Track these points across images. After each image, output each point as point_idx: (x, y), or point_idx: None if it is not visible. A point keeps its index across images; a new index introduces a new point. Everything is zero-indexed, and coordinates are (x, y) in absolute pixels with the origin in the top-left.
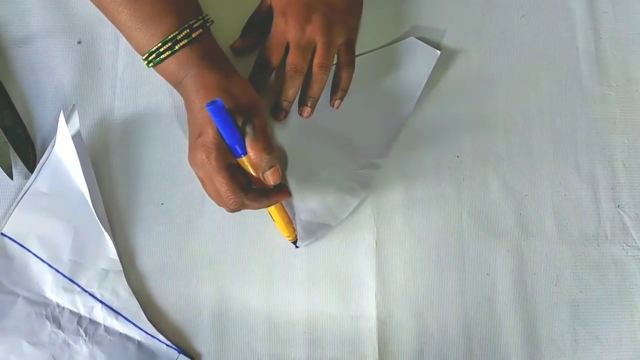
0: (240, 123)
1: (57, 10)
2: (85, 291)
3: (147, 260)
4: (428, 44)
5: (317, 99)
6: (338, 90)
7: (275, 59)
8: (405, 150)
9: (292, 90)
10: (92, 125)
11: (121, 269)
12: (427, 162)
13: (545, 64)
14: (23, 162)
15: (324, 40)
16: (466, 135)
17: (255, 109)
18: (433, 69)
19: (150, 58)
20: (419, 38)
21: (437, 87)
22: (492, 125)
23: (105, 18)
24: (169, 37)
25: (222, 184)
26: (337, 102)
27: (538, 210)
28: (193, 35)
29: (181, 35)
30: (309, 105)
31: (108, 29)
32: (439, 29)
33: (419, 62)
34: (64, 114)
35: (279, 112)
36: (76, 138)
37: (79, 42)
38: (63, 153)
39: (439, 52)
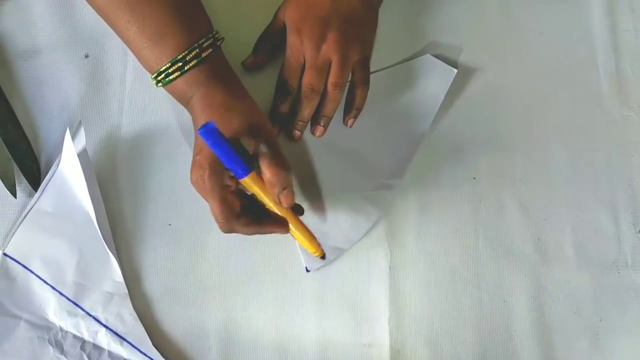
0: (248, 142)
1: (64, 23)
2: (90, 315)
3: (154, 283)
4: (444, 62)
5: (331, 119)
6: (352, 108)
7: (295, 82)
8: (420, 171)
9: (308, 111)
10: (99, 142)
11: (126, 292)
12: (443, 184)
13: (565, 83)
14: (27, 180)
15: (339, 58)
16: (483, 156)
17: (265, 128)
18: (449, 87)
19: (159, 78)
20: (435, 55)
21: (454, 106)
22: (510, 146)
23: (113, 32)
24: (178, 57)
25: (213, 205)
26: (350, 121)
27: (557, 235)
28: (202, 55)
29: (190, 55)
30: (322, 124)
31: (116, 43)
32: (455, 46)
33: (435, 80)
34: (70, 130)
35: (293, 133)
36: (82, 155)
37: (87, 56)
38: (68, 171)
39: (455, 70)
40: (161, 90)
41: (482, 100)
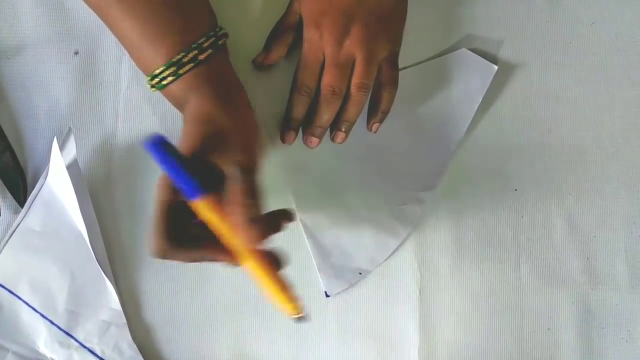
0: (227, 167)
1: (52, 16)
2: (84, 346)
3: (155, 311)
4: (483, 57)
5: (353, 123)
6: (377, 112)
7: (313, 82)
8: (454, 183)
9: (328, 115)
10: (91, 152)
11: (125, 321)
12: (480, 197)
13: (619, 81)
14: (12, 195)
15: (364, 56)
16: (526, 165)
17: (249, 147)
18: (489, 86)
19: (153, 82)
20: (472, 49)
21: (493, 108)
22: (557, 153)
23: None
24: (174, 59)
25: (152, 222)
26: (375, 126)
27: (608, 255)
28: (200, 58)
29: (188, 57)
30: (343, 130)
31: (110, 39)
32: (495, 39)
33: (472, 78)
34: (58, 139)
35: (310, 139)
36: (72, 167)
37: (76, 53)
38: (57, 185)
39: (495, 66)
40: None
41: (526, 101)
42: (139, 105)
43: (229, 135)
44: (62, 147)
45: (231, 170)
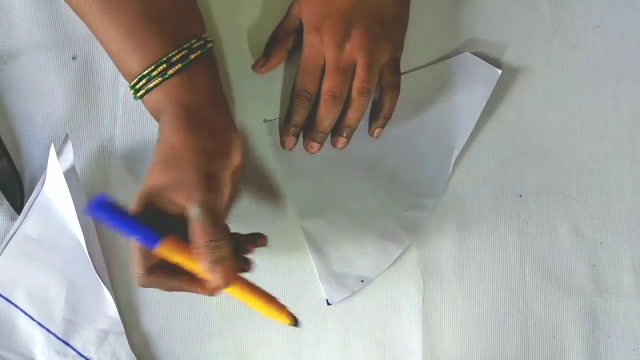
0: (185, 203)
1: (49, 21)
2: (81, 355)
3: (153, 319)
4: (486, 61)
5: (355, 129)
6: (379, 117)
7: (314, 87)
8: (458, 189)
9: (328, 121)
10: (89, 158)
11: (123, 329)
12: (484, 203)
13: (626, 85)
14: (9, 201)
15: (365, 61)
16: (530, 170)
17: (214, 179)
18: (492, 90)
19: (132, 92)
20: (475, 53)
21: (497, 113)
22: (562, 158)
23: None
24: (144, 72)
25: (132, 252)
26: (377, 131)
27: (615, 262)
28: (169, 73)
29: (156, 71)
30: (344, 135)
31: None
32: (499, 43)
33: (475, 82)
34: (55, 145)
35: (310, 145)
36: (69, 174)
37: (74, 58)
38: (54, 192)
39: (499, 70)
40: None
41: (530, 106)
42: (138, 111)
43: (189, 173)
44: (59, 154)
45: (190, 211)
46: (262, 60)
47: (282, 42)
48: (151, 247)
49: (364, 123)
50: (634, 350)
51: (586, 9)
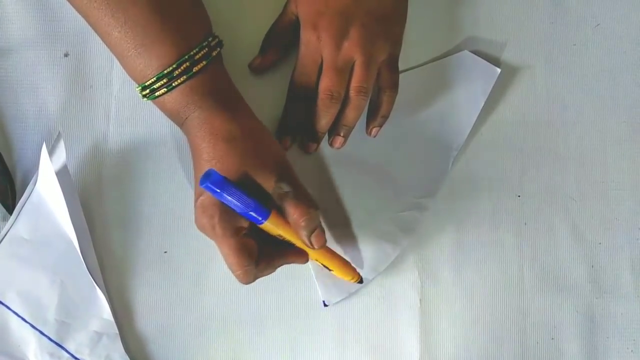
0: (264, 179)
1: (40, 18)
2: (75, 358)
3: (148, 321)
4: (485, 59)
5: (352, 128)
6: (377, 116)
7: (310, 86)
8: (456, 189)
9: (326, 120)
10: (82, 157)
11: (117, 331)
12: (482, 203)
13: (625, 84)
14: (0, 201)
15: (363, 59)
16: (529, 170)
17: (280, 157)
18: (491, 89)
19: (144, 93)
20: (474, 52)
21: (496, 112)
22: (561, 158)
23: None
24: (165, 71)
25: (228, 255)
26: (375, 130)
27: (613, 262)
28: (194, 70)
29: (179, 70)
30: (341, 135)
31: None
32: (498, 41)
33: (474, 81)
34: (47, 144)
35: (308, 145)
36: (62, 174)
37: (66, 55)
38: (46, 192)
39: (498, 69)
40: None
41: (529, 105)
42: (132, 109)
43: (259, 151)
44: (51, 152)
45: (281, 187)
46: (258, 58)
47: (278, 39)
48: (260, 223)
49: (361, 122)
50: (632, 351)
51: (586, 7)
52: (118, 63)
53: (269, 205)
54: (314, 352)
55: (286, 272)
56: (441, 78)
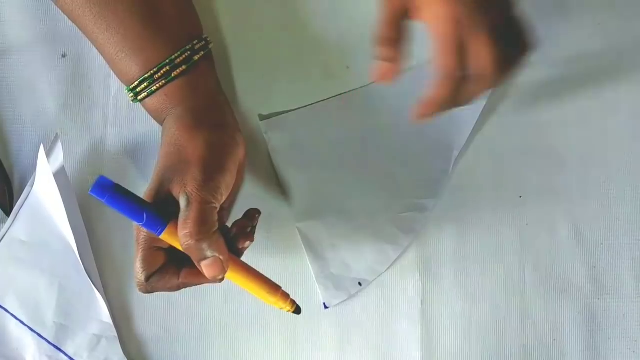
0: (175, 189)
1: (38, 18)
2: None
3: (147, 324)
4: None
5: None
6: None
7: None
8: (457, 189)
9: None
10: (80, 159)
11: (116, 334)
12: (484, 204)
13: (627, 84)
14: None
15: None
16: (531, 170)
17: (215, 172)
18: (492, 90)
19: (130, 96)
20: None
21: (497, 112)
22: (563, 158)
23: None
24: (145, 75)
25: (135, 258)
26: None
27: (615, 263)
28: (173, 75)
29: (159, 74)
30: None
31: None
32: None
33: None
34: (45, 146)
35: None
36: (59, 175)
37: (64, 56)
38: (44, 194)
39: None
40: None
41: (530, 105)
42: (129, 110)
43: (190, 165)
44: (48, 154)
45: (181, 201)
46: (386, 67)
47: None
48: (157, 233)
49: (360, 122)
50: (634, 352)
51: (587, 7)
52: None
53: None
54: (315, 354)
55: (286, 274)
56: None
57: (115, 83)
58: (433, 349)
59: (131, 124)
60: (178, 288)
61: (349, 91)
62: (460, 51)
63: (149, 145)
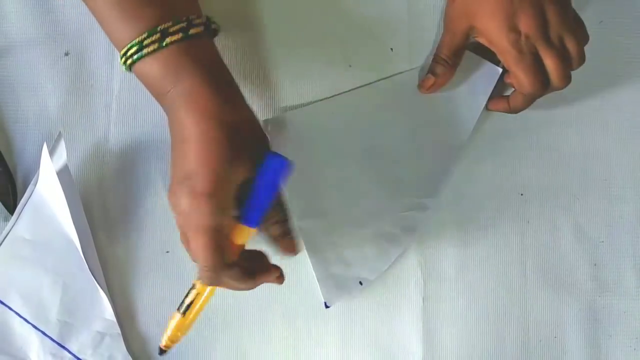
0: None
1: (40, 17)
2: (77, 358)
3: (151, 321)
4: (486, 59)
5: None
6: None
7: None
8: (458, 188)
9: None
10: (83, 157)
11: (119, 331)
12: (485, 202)
13: (629, 82)
14: (1, 202)
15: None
16: (532, 169)
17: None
18: (493, 88)
19: (129, 53)
20: (476, 51)
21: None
22: (564, 157)
23: (97, 26)
24: (159, 28)
25: (203, 249)
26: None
27: (616, 260)
28: (190, 32)
29: (175, 27)
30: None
31: (101, 38)
32: None
33: (476, 80)
34: (48, 144)
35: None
36: (63, 174)
37: (67, 54)
38: (47, 192)
39: (500, 69)
40: None
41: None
42: (132, 108)
43: (244, 144)
44: (52, 152)
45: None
46: (431, 79)
47: (455, 60)
48: (254, 225)
49: (359, 121)
50: (634, 349)
51: (588, 5)
52: (119, 62)
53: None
54: (317, 351)
55: (287, 273)
56: None
57: (118, 81)
58: (435, 346)
59: (134, 122)
60: (244, 288)
61: (350, 90)
62: (537, 70)
63: (152, 143)
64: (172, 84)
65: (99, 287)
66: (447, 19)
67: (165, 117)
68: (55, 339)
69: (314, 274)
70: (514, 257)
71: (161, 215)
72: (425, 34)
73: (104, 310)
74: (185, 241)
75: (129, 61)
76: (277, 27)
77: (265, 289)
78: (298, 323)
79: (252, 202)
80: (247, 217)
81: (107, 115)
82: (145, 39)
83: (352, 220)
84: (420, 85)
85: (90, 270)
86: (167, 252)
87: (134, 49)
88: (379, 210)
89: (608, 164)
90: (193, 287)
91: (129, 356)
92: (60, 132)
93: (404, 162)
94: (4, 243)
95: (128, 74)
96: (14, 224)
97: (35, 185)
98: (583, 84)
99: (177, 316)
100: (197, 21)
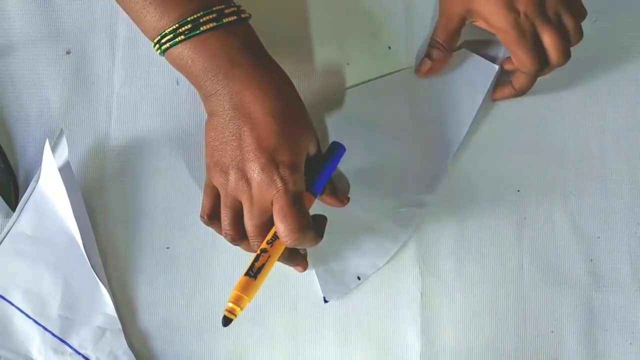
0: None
1: (42, 15)
2: (78, 353)
3: (151, 317)
4: (483, 57)
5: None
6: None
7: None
8: (455, 185)
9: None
10: (84, 154)
11: (120, 327)
12: (482, 198)
13: (624, 80)
14: (3, 198)
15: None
16: (528, 165)
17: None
18: (489, 86)
19: (165, 39)
20: (472, 50)
21: (495, 108)
22: (560, 154)
23: (99, 24)
24: (196, 15)
25: (296, 212)
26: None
27: (612, 256)
28: (224, 20)
29: (207, 17)
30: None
31: (102, 37)
32: (496, 39)
33: (473, 78)
34: (50, 141)
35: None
36: (64, 170)
37: (68, 52)
38: (49, 188)
39: (497, 66)
40: (156, 92)
41: (527, 101)
42: (133, 106)
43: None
44: (54, 149)
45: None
46: (428, 63)
47: (451, 43)
48: (318, 194)
49: (359, 120)
50: (630, 343)
51: (584, 3)
52: (120, 60)
53: None
54: (315, 346)
55: (286, 268)
56: (440, 75)
57: (119, 79)
58: (433, 341)
59: (135, 119)
60: (314, 244)
61: (347, 88)
62: (537, 47)
63: (153, 140)
64: (228, 61)
65: (100, 283)
66: (443, 2)
67: (166, 114)
68: (56, 334)
69: (313, 269)
70: (510, 252)
71: (162, 212)
72: (423, 32)
73: (105, 306)
74: (250, 215)
75: (167, 44)
76: (274, 26)
77: (265, 283)
78: (298, 317)
79: (317, 176)
80: (314, 188)
81: (108, 112)
82: (201, 17)
83: (350, 216)
84: (417, 70)
85: (91, 266)
86: (168, 248)
87: (171, 34)
88: (377, 206)
89: (604, 160)
90: (261, 252)
91: (130, 351)
92: (62, 129)
93: (402, 158)
94: (5, 239)
95: (129, 72)
96: (16, 220)
97: (37, 181)
98: (578, 80)
99: (247, 280)
100: (230, 9)
